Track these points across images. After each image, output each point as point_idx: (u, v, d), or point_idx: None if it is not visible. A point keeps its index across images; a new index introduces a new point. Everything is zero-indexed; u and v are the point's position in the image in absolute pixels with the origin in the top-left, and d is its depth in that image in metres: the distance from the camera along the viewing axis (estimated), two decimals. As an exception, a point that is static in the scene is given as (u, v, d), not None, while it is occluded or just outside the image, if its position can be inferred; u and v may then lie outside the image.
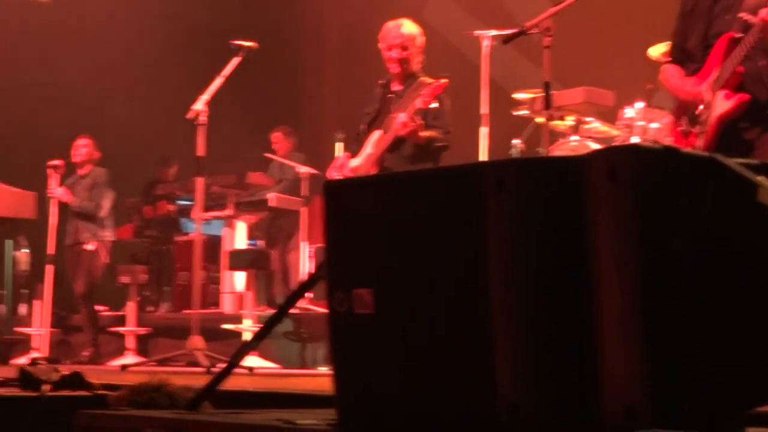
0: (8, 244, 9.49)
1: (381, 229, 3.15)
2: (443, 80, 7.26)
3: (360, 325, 3.16)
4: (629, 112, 8.76)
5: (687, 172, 2.75)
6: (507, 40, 6.15)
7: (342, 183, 3.44)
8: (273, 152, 12.78)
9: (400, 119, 7.26)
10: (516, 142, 10.00)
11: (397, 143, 7.50)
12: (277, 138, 12.83)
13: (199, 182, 9.01)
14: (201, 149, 8.80)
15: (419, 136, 7.30)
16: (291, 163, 12.16)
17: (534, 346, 2.81)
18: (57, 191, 11.33)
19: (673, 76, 5.80)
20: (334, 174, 7.70)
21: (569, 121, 9.16)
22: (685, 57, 5.75)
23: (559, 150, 9.01)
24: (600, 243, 2.76)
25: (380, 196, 3.19)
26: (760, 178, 2.75)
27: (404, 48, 7.59)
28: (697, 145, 5.46)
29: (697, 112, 5.52)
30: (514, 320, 2.83)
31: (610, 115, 9.43)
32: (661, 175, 2.71)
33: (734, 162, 2.78)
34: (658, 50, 8.37)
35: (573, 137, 9.20)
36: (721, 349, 2.77)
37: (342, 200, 3.29)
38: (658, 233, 2.69)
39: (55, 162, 11.40)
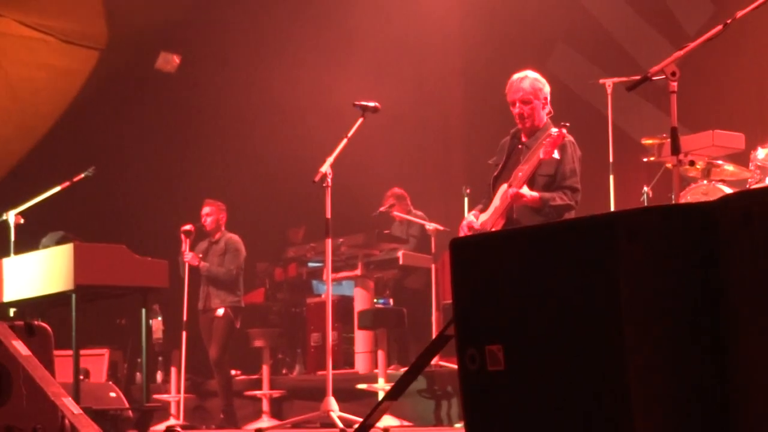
0: (143, 312, 9.58)
1: (509, 285, 3.10)
2: (564, 129, 7.15)
3: (492, 382, 3.11)
4: (761, 153, 8.57)
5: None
6: (631, 87, 6.03)
7: (468, 239, 3.39)
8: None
9: (511, 192, 7.20)
10: (646, 189, 9.86)
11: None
12: (391, 201, 12.76)
13: (328, 243, 9.04)
14: (329, 211, 8.83)
15: (530, 200, 7.22)
16: (417, 220, 12.13)
17: (674, 405, 2.73)
18: (188, 256, 11.47)
19: None
20: (465, 231, 7.63)
21: (699, 165, 8.99)
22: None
23: (690, 195, 8.85)
24: (738, 289, 2.68)
25: (507, 251, 3.14)
26: None
27: (527, 102, 7.50)
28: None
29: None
30: (653, 378, 2.75)
31: (742, 158, 9.25)
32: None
33: None
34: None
35: (703, 181, 9.04)
36: None
37: (469, 257, 3.25)
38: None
39: (187, 227, 11.55)
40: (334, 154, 8.80)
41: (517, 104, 7.50)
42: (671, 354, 2.75)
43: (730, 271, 2.70)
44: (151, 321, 12.14)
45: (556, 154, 7.14)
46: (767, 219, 2.63)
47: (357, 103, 9.05)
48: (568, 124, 7.21)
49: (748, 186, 8.64)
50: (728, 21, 5.78)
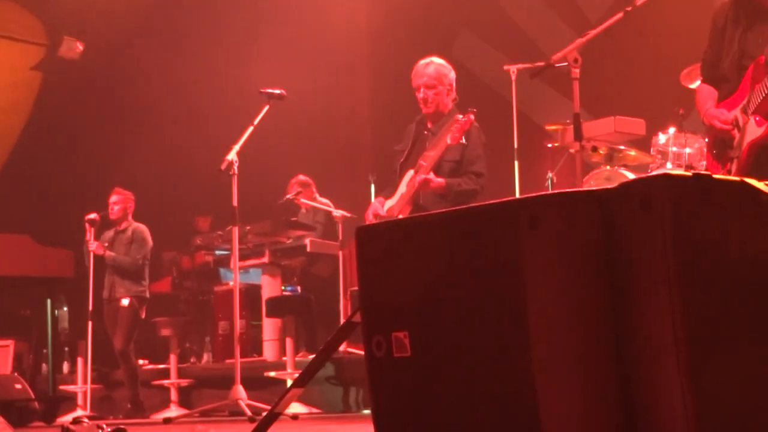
0: (48, 302, 9.48)
1: (414, 271, 3.12)
2: (471, 115, 7.21)
3: (398, 368, 3.13)
4: (662, 138, 8.71)
5: (720, 199, 2.71)
6: (534, 74, 6.10)
7: (373, 227, 3.41)
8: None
9: (417, 179, 7.24)
10: (550, 174, 9.96)
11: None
12: (296, 188, 12.72)
13: (235, 231, 9.02)
14: (235, 198, 8.81)
15: (435, 186, 7.27)
16: (322, 207, 12.13)
17: (578, 385, 2.77)
18: (92, 245, 11.36)
19: (707, 99, 5.74)
20: (370, 218, 7.66)
21: (602, 151, 9.11)
22: (720, 77, 5.70)
23: (593, 180, 8.96)
24: (637, 274, 2.73)
25: (412, 238, 3.16)
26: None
27: (432, 87, 7.55)
28: (731, 170, 5.40)
29: (730, 138, 5.47)
30: (556, 360, 2.79)
31: (644, 143, 9.39)
32: (694, 203, 2.67)
33: (766, 184, 2.74)
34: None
35: (607, 167, 9.16)
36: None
37: (375, 244, 3.26)
38: (693, 260, 2.66)
39: (92, 216, 11.43)
40: (240, 142, 8.78)
41: (422, 89, 7.55)
42: (574, 340, 2.79)
43: (631, 256, 2.74)
44: (56, 311, 12.03)
45: (463, 140, 7.20)
46: (665, 204, 2.67)
47: (262, 90, 9.05)
48: (475, 110, 7.27)
49: (649, 171, 8.78)
50: (628, 8, 5.86)
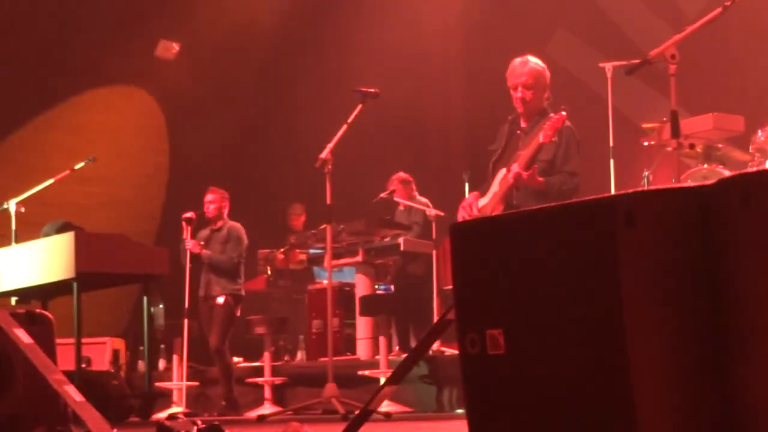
0: (144, 300, 9.58)
1: (509, 269, 3.09)
2: (563, 112, 7.15)
3: (493, 366, 3.10)
4: (762, 135, 8.57)
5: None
6: (630, 71, 6.04)
7: (468, 224, 3.39)
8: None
9: (513, 169, 7.16)
10: (647, 173, 9.85)
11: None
12: (395, 186, 12.75)
13: (329, 230, 9.05)
14: (329, 197, 8.84)
15: (536, 182, 7.18)
16: (419, 206, 12.14)
17: (676, 387, 2.73)
18: (189, 243, 11.47)
19: None
20: (462, 215, 7.63)
21: (699, 148, 9.00)
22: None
23: (690, 179, 8.85)
24: (738, 272, 2.68)
25: (507, 235, 3.14)
26: None
27: (528, 86, 7.50)
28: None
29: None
30: (655, 360, 2.75)
31: (743, 141, 9.25)
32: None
33: None
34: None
35: (704, 165, 9.04)
36: None
37: (469, 241, 3.24)
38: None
39: (188, 214, 11.55)
40: (334, 140, 8.81)
41: (519, 89, 7.50)
42: (671, 338, 2.75)
43: (730, 254, 2.70)
44: (152, 309, 12.16)
45: (555, 138, 7.15)
46: (765, 200, 2.62)
47: (357, 89, 9.07)
48: (566, 108, 7.21)
49: (748, 169, 8.64)
50: (727, 3, 5.78)
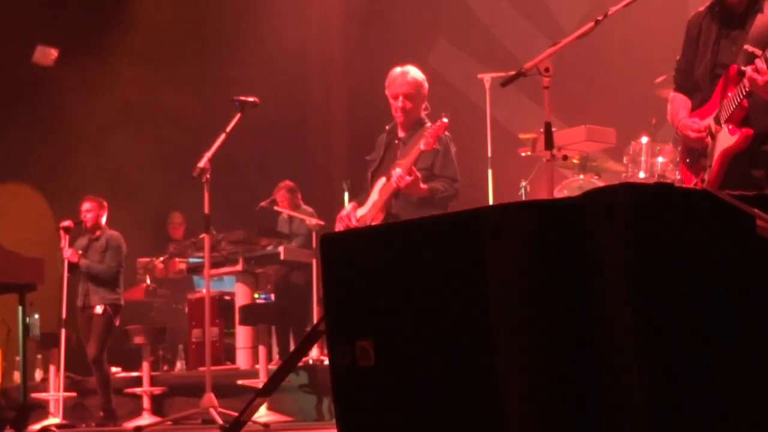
0: (19, 310, 9.42)
1: (378, 279, 3.12)
2: (444, 120, 7.19)
3: (363, 377, 3.12)
4: (634, 147, 8.73)
5: (681, 207, 2.72)
6: (505, 83, 6.08)
7: (337, 235, 3.41)
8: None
9: (396, 173, 7.18)
10: (524, 183, 9.97)
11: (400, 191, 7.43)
12: (281, 195, 12.75)
13: (207, 239, 9.01)
14: (207, 206, 8.79)
15: (419, 189, 7.21)
16: (299, 216, 12.14)
17: (543, 398, 2.77)
18: (66, 252, 11.32)
19: (679, 108, 5.74)
20: (340, 226, 7.64)
21: (575, 160, 9.14)
22: (692, 86, 5.70)
23: (566, 189, 8.98)
24: (602, 281, 2.73)
25: (376, 246, 3.16)
26: (756, 211, 2.71)
27: (409, 96, 7.52)
28: (705, 178, 5.40)
29: (703, 147, 5.47)
30: (520, 368, 2.79)
31: (617, 152, 9.41)
32: (655, 211, 2.68)
33: (728, 195, 2.75)
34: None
35: (580, 176, 9.18)
36: (724, 381, 2.73)
37: (338, 252, 3.26)
38: (655, 267, 2.67)
39: (66, 223, 11.39)
40: (212, 149, 8.76)
41: (400, 98, 7.51)
42: (539, 349, 2.79)
43: (595, 264, 2.75)
44: (28, 319, 11.97)
45: (437, 145, 7.18)
46: (628, 212, 2.68)
47: (236, 98, 9.03)
48: (447, 116, 7.25)
49: (622, 180, 8.80)
50: (600, 17, 5.86)
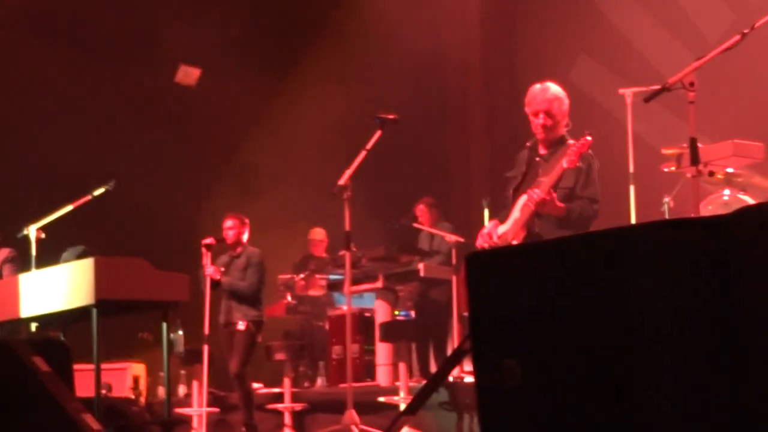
0: (164, 326, 9.56)
1: (525, 299, 3.09)
2: (588, 138, 7.11)
3: (508, 397, 3.09)
4: (783, 162, 8.54)
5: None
6: (648, 98, 6.01)
7: (482, 254, 3.39)
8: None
9: (535, 195, 7.11)
10: (667, 199, 9.81)
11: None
12: (421, 211, 12.78)
13: (347, 256, 9.05)
14: (347, 223, 8.84)
15: (556, 208, 7.13)
16: (439, 233, 12.13)
17: (694, 417, 2.71)
18: (209, 270, 11.44)
19: None
20: (481, 243, 7.60)
21: (720, 175, 8.95)
22: None
23: (711, 205, 8.81)
24: (755, 301, 2.66)
25: (522, 265, 3.13)
26: None
27: (550, 113, 7.46)
28: None
29: None
30: (673, 390, 2.73)
31: (765, 167, 9.21)
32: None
33: None
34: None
35: (725, 191, 9.00)
36: None
37: (484, 271, 3.23)
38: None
39: (208, 240, 11.52)
40: (353, 167, 8.81)
41: (541, 115, 7.45)
42: (687, 372, 2.74)
43: (747, 284, 2.68)
44: (172, 335, 12.15)
45: (580, 163, 7.11)
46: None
47: (377, 115, 9.07)
48: (590, 134, 7.17)
49: (768, 196, 8.62)
50: (746, 31, 5.76)
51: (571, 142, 7.24)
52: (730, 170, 8.96)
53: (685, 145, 8.67)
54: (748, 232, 2.68)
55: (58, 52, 14.51)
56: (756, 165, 9.33)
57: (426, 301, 12.41)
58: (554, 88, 7.54)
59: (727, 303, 2.71)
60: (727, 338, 2.70)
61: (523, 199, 7.44)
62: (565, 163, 7.07)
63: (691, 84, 5.69)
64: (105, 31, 14.75)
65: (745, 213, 2.71)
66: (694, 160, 5.83)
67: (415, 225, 12.52)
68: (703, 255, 2.74)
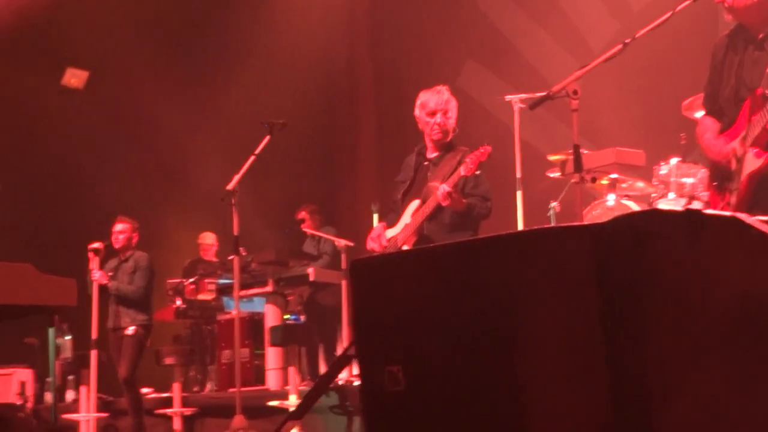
0: (50, 331, 9.46)
1: (409, 305, 3.13)
2: (487, 147, 7.20)
3: (392, 402, 3.13)
4: (664, 168, 8.72)
5: (710, 233, 2.73)
6: (533, 105, 6.10)
7: (366, 260, 3.42)
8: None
9: (443, 189, 7.18)
10: (553, 204, 9.95)
11: (437, 212, 7.43)
12: (303, 217, 12.84)
13: (236, 261, 9.05)
14: (236, 227, 8.84)
15: (461, 203, 7.25)
16: (328, 237, 12.16)
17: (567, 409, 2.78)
18: (96, 274, 11.34)
19: (707, 131, 5.75)
20: (372, 246, 7.67)
21: (605, 181, 9.12)
22: (719, 109, 5.72)
23: (595, 210, 8.96)
24: (627, 305, 2.74)
25: (406, 271, 3.18)
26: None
27: (446, 114, 7.56)
28: (731, 201, 5.40)
29: (730, 169, 5.47)
30: (552, 399, 2.80)
31: (646, 173, 9.39)
32: (684, 238, 2.69)
33: (757, 220, 2.75)
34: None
35: (610, 196, 9.16)
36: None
37: (368, 278, 3.27)
38: (683, 294, 2.68)
39: (95, 245, 11.41)
40: (241, 172, 8.82)
41: (439, 114, 7.54)
42: (568, 374, 2.80)
43: (623, 290, 2.75)
44: (59, 340, 12.02)
45: (478, 171, 7.21)
46: (656, 239, 2.69)
47: (266, 120, 9.09)
48: (490, 144, 7.26)
49: (651, 201, 8.79)
50: (627, 40, 5.88)
51: (463, 148, 7.34)
52: (614, 176, 9.13)
53: (570, 151, 8.83)
54: (625, 240, 2.75)
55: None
56: (638, 169, 9.51)
57: (315, 305, 12.43)
58: (447, 91, 7.66)
59: (605, 311, 2.78)
60: (602, 347, 2.78)
61: (413, 204, 7.52)
62: (462, 171, 7.15)
63: (575, 92, 5.78)
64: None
65: (619, 221, 2.79)
66: (578, 167, 5.93)
67: (303, 228, 12.55)
68: (584, 262, 2.82)
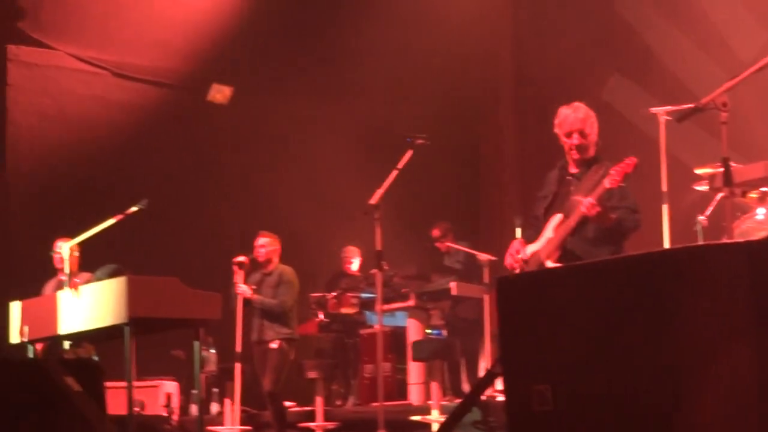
0: (196, 344, 9.59)
1: (558, 324, 3.08)
2: (633, 159, 7.07)
3: (538, 422, 3.08)
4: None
5: None
6: (681, 118, 5.99)
7: (515, 277, 3.38)
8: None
9: (588, 202, 7.07)
10: (700, 218, 9.75)
11: (580, 226, 7.32)
12: (437, 234, 12.90)
13: (378, 275, 9.06)
14: (379, 242, 8.85)
15: (608, 218, 7.12)
16: (469, 250, 12.13)
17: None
18: (241, 288, 11.45)
19: None
20: (510, 262, 7.58)
21: (754, 194, 8.90)
22: None
23: (744, 225, 8.76)
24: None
25: (557, 289, 3.12)
26: None
27: (583, 133, 7.45)
28: None
29: None
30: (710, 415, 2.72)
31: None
32: None
33: None
34: None
35: (759, 210, 8.94)
36: None
37: (516, 295, 3.22)
38: None
39: (240, 258, 11.53)
40: (384, 186, 8.83)
41: (575, 135, 7.43)
42: (724, 394, 2.73)
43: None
44: (204, 353, 12.17)
45: (623, 183, 7.08)
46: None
47: (408, 136, 9.11)
48: (636, 156, 7.14)
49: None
50: (779, 50, 5.74)
51: (606, 162, 7.23)
52: (765, 189, 8.91)
53: (718, 164, 8.64)
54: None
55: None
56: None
57: (457, 320, 12.40)
58: (585, 108, 7.54)
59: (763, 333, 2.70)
60: (758, 368, 2.70)
61: (556, 219, 7.42)
62: (607, 183, 7.04)
63: (724, 104, 5.66)
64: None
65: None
66: (727, 180, 5.79)
67: (448, 244, 12.56)
68: (737, 279, 2.73)
